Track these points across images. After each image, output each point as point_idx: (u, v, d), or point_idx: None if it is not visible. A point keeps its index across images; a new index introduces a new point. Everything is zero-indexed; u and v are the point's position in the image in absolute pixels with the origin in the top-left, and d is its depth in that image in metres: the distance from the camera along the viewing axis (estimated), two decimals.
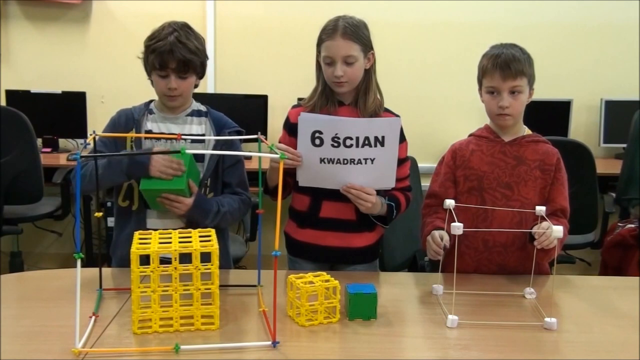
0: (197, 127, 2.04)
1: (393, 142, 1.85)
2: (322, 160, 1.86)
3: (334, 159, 1.86)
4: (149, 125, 2.01)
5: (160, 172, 1.84)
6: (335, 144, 1.84)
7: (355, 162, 1.85)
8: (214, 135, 2.01)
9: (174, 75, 1.92)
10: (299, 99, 2.09)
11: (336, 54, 1.89)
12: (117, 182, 1.95)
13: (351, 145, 1.84)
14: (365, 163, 1.85)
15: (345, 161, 1.85)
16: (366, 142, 1.84)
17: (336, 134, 1.83)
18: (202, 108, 2.08)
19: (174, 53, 1.89)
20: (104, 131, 2.02)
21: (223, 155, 2.02)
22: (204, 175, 2.00)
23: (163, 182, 1.84)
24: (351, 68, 1.91)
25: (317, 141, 1.84)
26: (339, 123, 1.85)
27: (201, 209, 1.92)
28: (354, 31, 1.90)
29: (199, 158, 2.00)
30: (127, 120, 2.01)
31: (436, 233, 1.79)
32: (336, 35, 1.89)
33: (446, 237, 1.77)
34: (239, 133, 2.07)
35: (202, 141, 2.01)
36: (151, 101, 2.08)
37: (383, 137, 1.83)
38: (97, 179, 1.79)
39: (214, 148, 1.99)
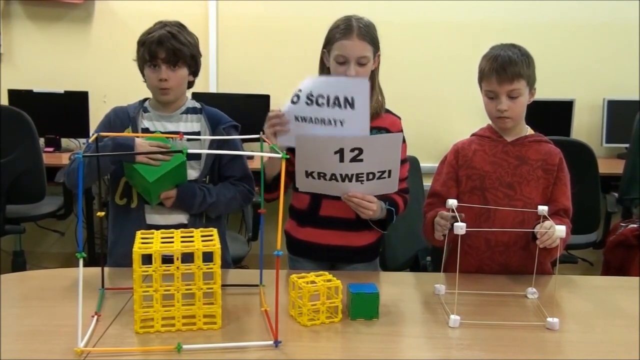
0: (192, 124, 2.04)
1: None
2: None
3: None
4: (145, 123, 2.02)
5: (148, 157, 1.85)
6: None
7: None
8: (209, 132, 2.01)
9: (164, 66, 1.93)
10: None
11: (351, 54, 1.87)
12: (105, 172, 1.95)
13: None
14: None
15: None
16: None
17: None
18: (197, 105, 2.08)
19: (163, 43, 1.91)
20: (98, 127, 2.02)
21: (221, 153, 2.02)
22: (201, 174, 2.01)
23: (162, 167, 1.85)
24: (363, 68, 1.90)
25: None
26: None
27: (183, 199, 1.94)
28: (368, 32, 1.90)
29: (195, 156, 2.00)
30: (123, 118, 2.01)
31: (444, 213, 1.76)
32: (352, 35, 1.87)
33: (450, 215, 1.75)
34: (234, 127, 2.08)
35: (198, 139, 2.01)
36: (146, 99, 2.08)
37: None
38: (99, 176, 1.79)
39: (211, 144, 1.99)
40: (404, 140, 1.97)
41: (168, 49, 1.92)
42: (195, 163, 2.01)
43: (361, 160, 1.76)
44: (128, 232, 1.91)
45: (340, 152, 1.75)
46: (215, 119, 2.06)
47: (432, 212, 1.87)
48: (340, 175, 1.79)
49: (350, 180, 1.80)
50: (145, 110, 2.04)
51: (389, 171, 1.81)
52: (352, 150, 1.75)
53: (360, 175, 1.80)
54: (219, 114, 2.08)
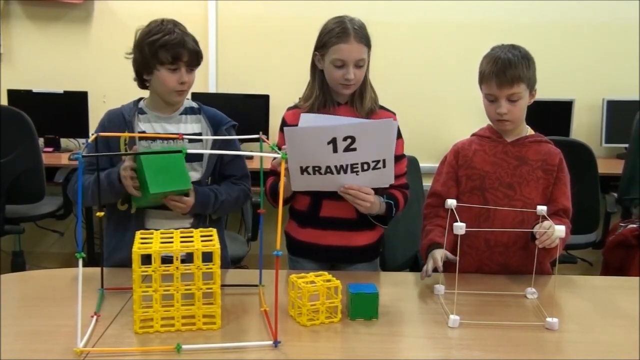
0: (193, 125, 2.02)
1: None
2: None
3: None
4: (142, 126, 1.98)
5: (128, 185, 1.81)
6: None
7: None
8: (211, 133, 2.00)
9: (185, 68, 1.91)
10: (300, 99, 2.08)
11: (349, 57, 1.87)
12: (106, 201, 1.92)
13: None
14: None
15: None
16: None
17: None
18: (194, 105, 2.06)
19: (186, 44, 1.89)
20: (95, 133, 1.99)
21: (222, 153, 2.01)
22: (204, 175, 2.00)
23: (169, 184, 1.80)
24: (360, 70, 1.91)
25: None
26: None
27: (201, 204, 1.92)
28: (363, 34, 1.90)
29: (198, 157, 1.99)
30: (119, 122, 1.96)
31: (437, 255, 1.78)
32: (350, 38, 1.87)
33: (450, 256, 1.78)
34: (234, 127, 2.07)
35: (200, 140, 2.00)
36: (140, 99, 2.04)
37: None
38: (99, 185, 1.78)
39: (213, 145, 1.98)
40: (400, 136, 1.98)
41: (190, 52, 1.90)
42: (197, 165, 1.99)
43: (355, 149, 1.77)
44: (129, 237, 1.90)
45: (333, 141, 1.75)
46: (216, 119, 2.04)
47: (427, 240, 1.88)
48: (335, 167, 1.80)
49: (345, 172, 1.81)
50: (142, 112, 2.00)
51: (383, 161, 1.81)
52: (345, 139, 1.75)
53: (355, 166, 1.80)
54: (219, 115, 2.07)
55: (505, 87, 1.82)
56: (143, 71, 1.95)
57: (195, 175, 1.98)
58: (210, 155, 2.00)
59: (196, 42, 1.94)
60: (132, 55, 1.96)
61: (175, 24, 1.93)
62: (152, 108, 2.01)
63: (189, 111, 2.04)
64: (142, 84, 1.99)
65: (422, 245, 1.91)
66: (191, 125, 2.02)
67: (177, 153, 1.78)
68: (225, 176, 2.06)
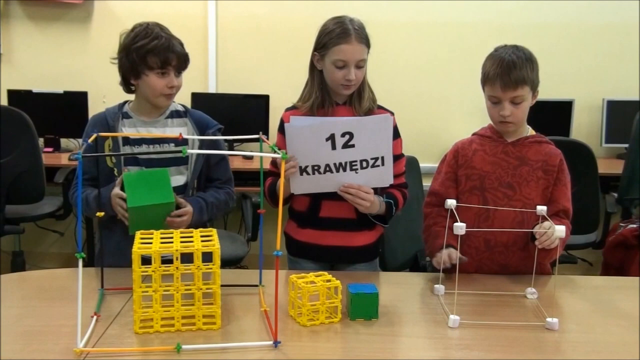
0: (179, 129, 1.99)
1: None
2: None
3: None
4: (127, 131, 1.96)
5: (120, 213, 1.80)
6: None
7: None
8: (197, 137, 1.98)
9: (174, 72, 1.90)
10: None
11: (351, 57, 1.88)
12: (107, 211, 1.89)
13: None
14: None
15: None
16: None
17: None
18: (180, 108, 2.04)
19: (174, 48, 1.88)
20: (84, 142, 1.95)
21: (209, 155, 1.99)
22: (191, 178, 1.98)
23: (149, 198, 1.73)
24: (360, 71, 1.91)
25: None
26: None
27: (197, 212, 1.91)
28: (364, 34, 1.91)
29: (184, 160, 1.97)
30: (102, 127, 1.92)
31: (454, 254, 1.78)
32: (352, 39, 1.87)
33: (458, 256, 1.78)
34: (220, 130, 2.06)
35: (186, 142, 1.97)
36: (124, 103, 2.01)
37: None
38: (99, 190, 1.77)
39: (200, 147, 1.96)
40: (398, 136, 1.98)
41: (179, 55, 1.89)
42: (183, 168, 1.98)
43: (353, 145, 1.79)
44: (113, 244, 1.89)
45: (332, 138, 1.77)
46: (202, 123, 2.02)
47: (436, 241, 1.87)
48: (335, 164, 1.82)
49: (344, 170, 1.82)
50: (126, 116, 1.98)
51: (382, 158, 1.83)
52: (343, 135, 1.77)
53: (354, 164, 1.82)
54: (205, 118, 2.05)
55: (509, 89, 1.81)
56: (130, 76, 1.93)
57: (181, 178, 1.97)
58: (197, 158, 1.97)
59: (182, 45, 1.93)
60: (117, 60, 1.95)
61: (160, 27, 1.91)
62: (137, 112, 1.99)
63: (175, 115, 2.01)
64: (128, 88, 1.98)
65: (435, 246, 1.88)
66: (177, 129, 1.99)
67: (178, 153, 1.77)
68: (211, 179, 2.05)
